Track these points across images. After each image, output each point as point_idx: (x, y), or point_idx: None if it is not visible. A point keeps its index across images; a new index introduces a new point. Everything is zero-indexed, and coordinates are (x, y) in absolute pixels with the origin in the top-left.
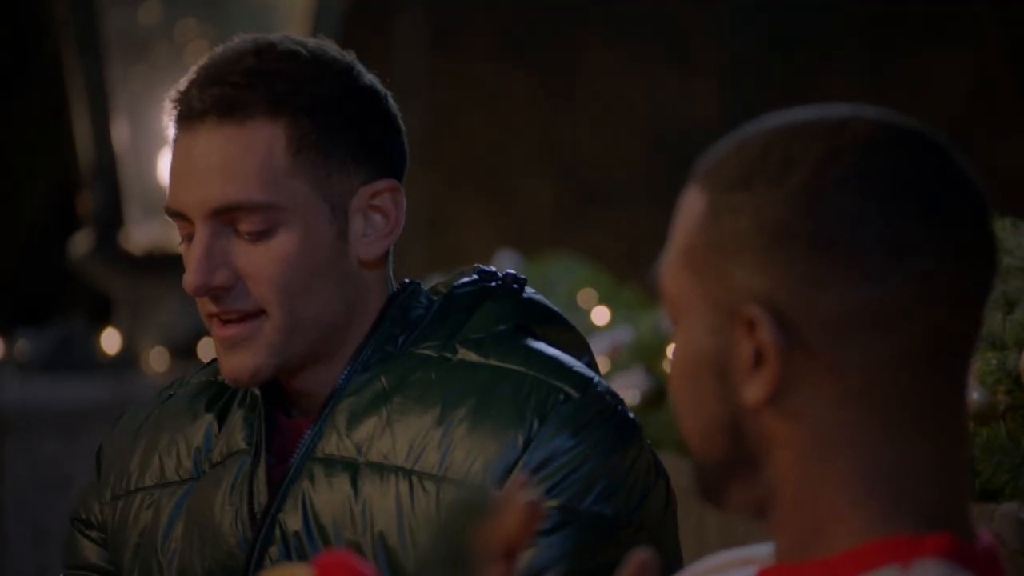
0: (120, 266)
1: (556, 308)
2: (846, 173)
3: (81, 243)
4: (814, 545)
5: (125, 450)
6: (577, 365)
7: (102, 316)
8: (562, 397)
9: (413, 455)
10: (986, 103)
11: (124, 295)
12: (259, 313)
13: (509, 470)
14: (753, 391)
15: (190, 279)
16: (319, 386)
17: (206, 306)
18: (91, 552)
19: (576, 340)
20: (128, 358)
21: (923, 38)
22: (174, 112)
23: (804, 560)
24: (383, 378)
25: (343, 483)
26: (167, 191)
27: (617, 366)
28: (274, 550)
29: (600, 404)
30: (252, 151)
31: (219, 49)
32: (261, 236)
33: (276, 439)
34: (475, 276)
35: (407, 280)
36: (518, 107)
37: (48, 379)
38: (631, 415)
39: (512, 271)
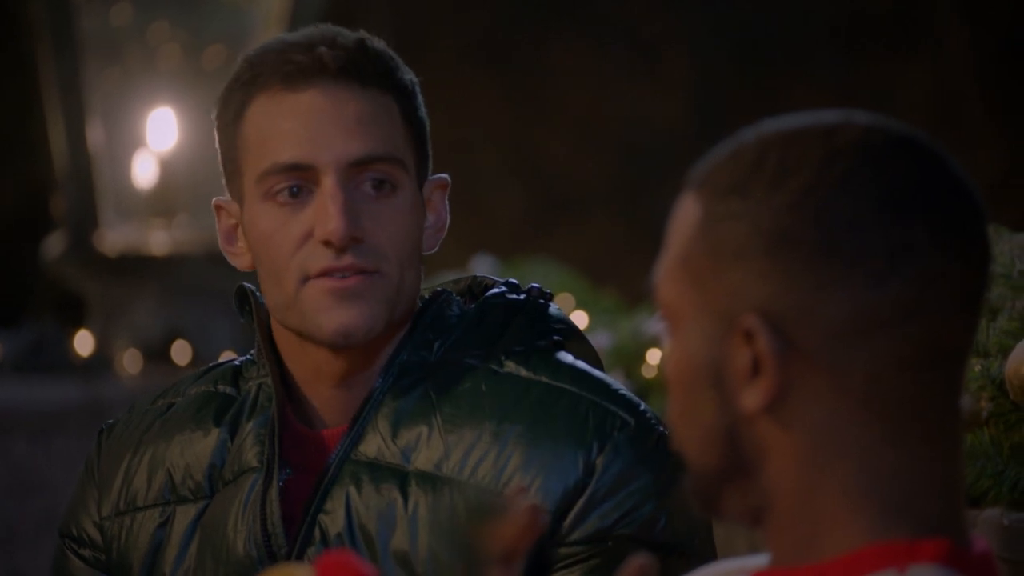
0: (94, 268)
1: (577, 325)
2: (844, 177)
3: (54, 245)
4: (810, 551)
5: (127, 463)
6: (622, 388)
7: (75, 318)
8: (619, 423)
9: (468, 468)
10: (954, 115)
11: (97, 297)
12: (374, 272)
13: (568, 492)
14: (751, 399)
15: (336, 226)
16: (355, 389)
17: (319, 261)
18: (81, 572)
19: (596, 357)
20: (101, 360)
21: (891, 50)
22: (263, 77)
23: (799, 566)
24: (428, 385)
25: (391, 490)
26: (273, 149)
27: None
28: (313, 551)
29: (656, 432)
30: (380, 113)
31: (285, 34)
32: (389, 193)
33: (294, 451)
34: (503, 288)
35: (439, 288)
36: (486, 113)
37: (20, 381)
38: None
39: (536, 285)
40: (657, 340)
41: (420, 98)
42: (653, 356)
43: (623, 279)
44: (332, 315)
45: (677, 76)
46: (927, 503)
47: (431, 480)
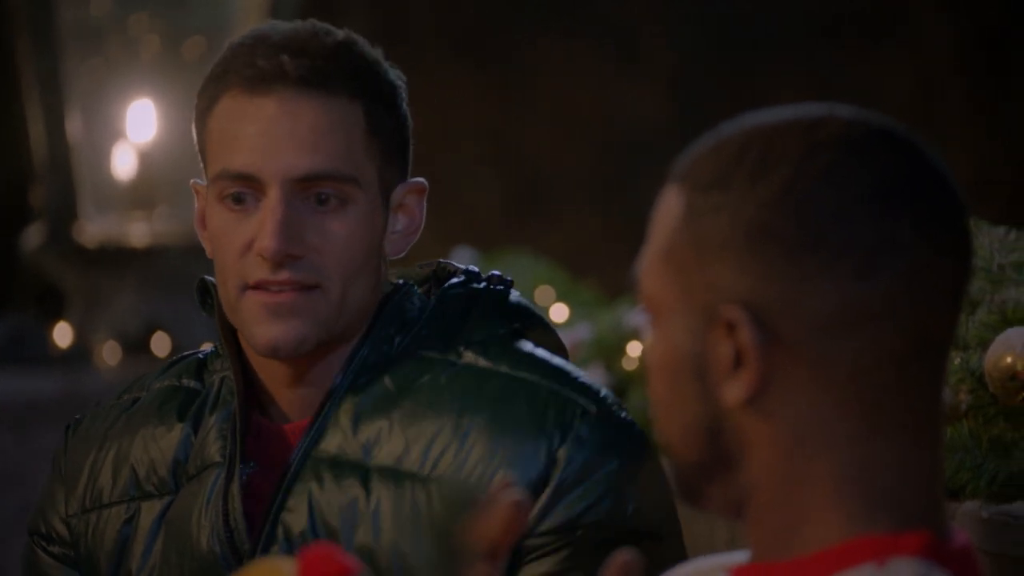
0: (73, 259)
1: (539, 311)
2: (827, 170)
3: (33, 236)
4: (790, 545)
5: (92, 459)
6: (582, 375)
7: (54, 310)
8: (580, 411)
9: (430, 462)
10: (933, 106)
11: (76, 289)
12: (313, 288)
13: (532, 484)
14: (733, 392)
15: (269, 243)
16: (316, 385)
17: (256, 273)
18: (51, 569)
19: (559, 343)
20: (80, 352)
21: (872, 41)
22: (231, 75)
23: (779, 560)
24: (387, 379)
25: (353, 485)
26: (227, 154)
27: (576, 363)
28: (276, 549)
29: (618, 418)
30: (339, 124)
31: (268, 26)
32: (336, 210)
33: (257, 445)
34: (462, 277)
35: (400, 280)
36: (465, 104)
37: None
38: (638, 425)
39: (497, 272)
40: (638, 332)
41: (401, 101)
42: (634, 348)
43: (603, 271)
44: (263, 329)
45: (657, 69)
46: (913, 494)
47: (393, 475)
